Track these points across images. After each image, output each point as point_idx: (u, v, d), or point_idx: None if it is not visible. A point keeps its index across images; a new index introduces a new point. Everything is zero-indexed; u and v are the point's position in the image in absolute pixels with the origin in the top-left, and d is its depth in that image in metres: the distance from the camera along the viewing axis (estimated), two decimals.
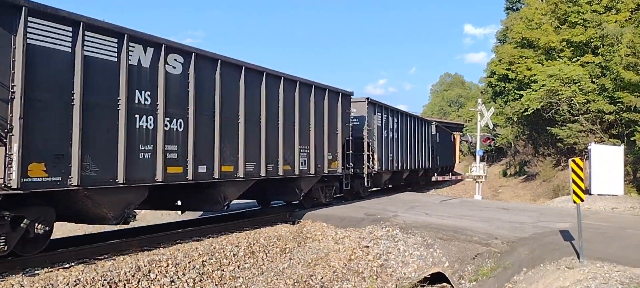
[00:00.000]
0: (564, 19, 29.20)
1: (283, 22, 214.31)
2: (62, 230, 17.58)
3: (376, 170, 19.90)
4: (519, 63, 31.74)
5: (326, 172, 15.72)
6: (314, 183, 15.50)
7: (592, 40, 27.21)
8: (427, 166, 29.65)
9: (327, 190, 16.72)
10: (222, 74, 11.53)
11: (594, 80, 26.15)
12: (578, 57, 27.76)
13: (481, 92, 49.54)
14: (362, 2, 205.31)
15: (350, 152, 17.40)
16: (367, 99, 19.64)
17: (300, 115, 14.41)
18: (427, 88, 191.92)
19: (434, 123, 33.65)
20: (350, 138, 17.47)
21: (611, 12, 26.88)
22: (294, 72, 14.66)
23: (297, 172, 14.26)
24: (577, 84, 25.84)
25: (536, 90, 27.70)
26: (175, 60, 10.31)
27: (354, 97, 18.52)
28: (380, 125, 20.86)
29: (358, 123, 19.21)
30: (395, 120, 23.24)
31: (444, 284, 10.84)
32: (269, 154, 13.04)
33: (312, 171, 14.94)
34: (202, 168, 10.88)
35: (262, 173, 12.82)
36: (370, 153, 19.32)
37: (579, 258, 8.78)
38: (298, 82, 14.34)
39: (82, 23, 8.40)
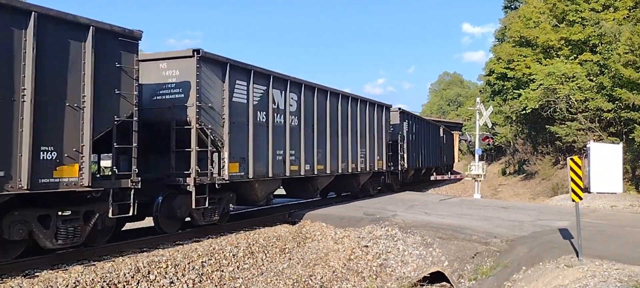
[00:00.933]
0: (562, 17, 29.24)
1: (281, 21, 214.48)
2: None
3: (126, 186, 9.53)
4: (517, 61, 31.79)
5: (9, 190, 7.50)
6: None
7: (590, 38, 27.23)
8: (355, 170, 18.44)
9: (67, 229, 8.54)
10: None
11: (592, 78, 26.17)
12: (576, 55, 27.80)
13: (480, 91, 49.61)
14: (360, 1, 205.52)
15: (116, 144, 9.00)
16: (198, 51, 10.82)
17: None
18: (426, 87, 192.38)
19: (360, 99, 19.37)
20: (134, 118, 9.27)
21: (609, 10, 26.90)
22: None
23: None
24: (574, 81, 25.87)
25: (534, 89, 27.73)
26: None
27: (162, 51, 11.42)
28: (244, 101, 12.35)
29: (181, 95, 11.02)
30: (288, 94, 14.14)
31: (444, 283, 10.85)
32: None
33: None
34: None
35: None
36: (217, 148, 11.44)
37: (578, 256, 8.79)
38: None
39: None
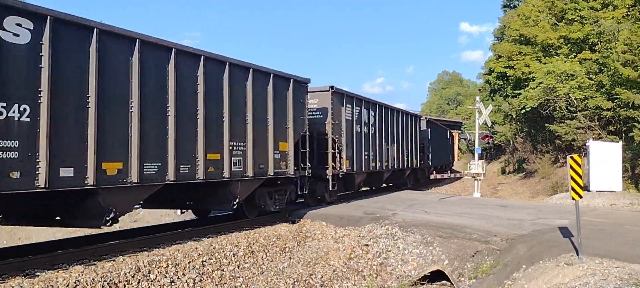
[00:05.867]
0: (561, 16, 29.26)
1: (280, 21, 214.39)
2: (62, 231, 17.62)
3: None
4: (517, 60, 31.83)
5: None
6: None
7: (589, 37, 27.27)
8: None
9: None
10: None
11: (591, 76, 26.20)
12: (576, 54, 27.82)
13: (479, 90, 49.66)
14: (359, 1, 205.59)
15: None
16: None
17: None
18: (425, 86, 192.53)
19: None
20: None
21: (608, 9, 26.92)
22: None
23: None
24: (574, 79, 25.89)
25: (534, 88, 27.76)
26: None
27: None
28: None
29: None
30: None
31: (444, 282, 10.87)
32: None
33: None
34: None
35: None
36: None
37: (577, 254, 8.80)
38: None
39: None
